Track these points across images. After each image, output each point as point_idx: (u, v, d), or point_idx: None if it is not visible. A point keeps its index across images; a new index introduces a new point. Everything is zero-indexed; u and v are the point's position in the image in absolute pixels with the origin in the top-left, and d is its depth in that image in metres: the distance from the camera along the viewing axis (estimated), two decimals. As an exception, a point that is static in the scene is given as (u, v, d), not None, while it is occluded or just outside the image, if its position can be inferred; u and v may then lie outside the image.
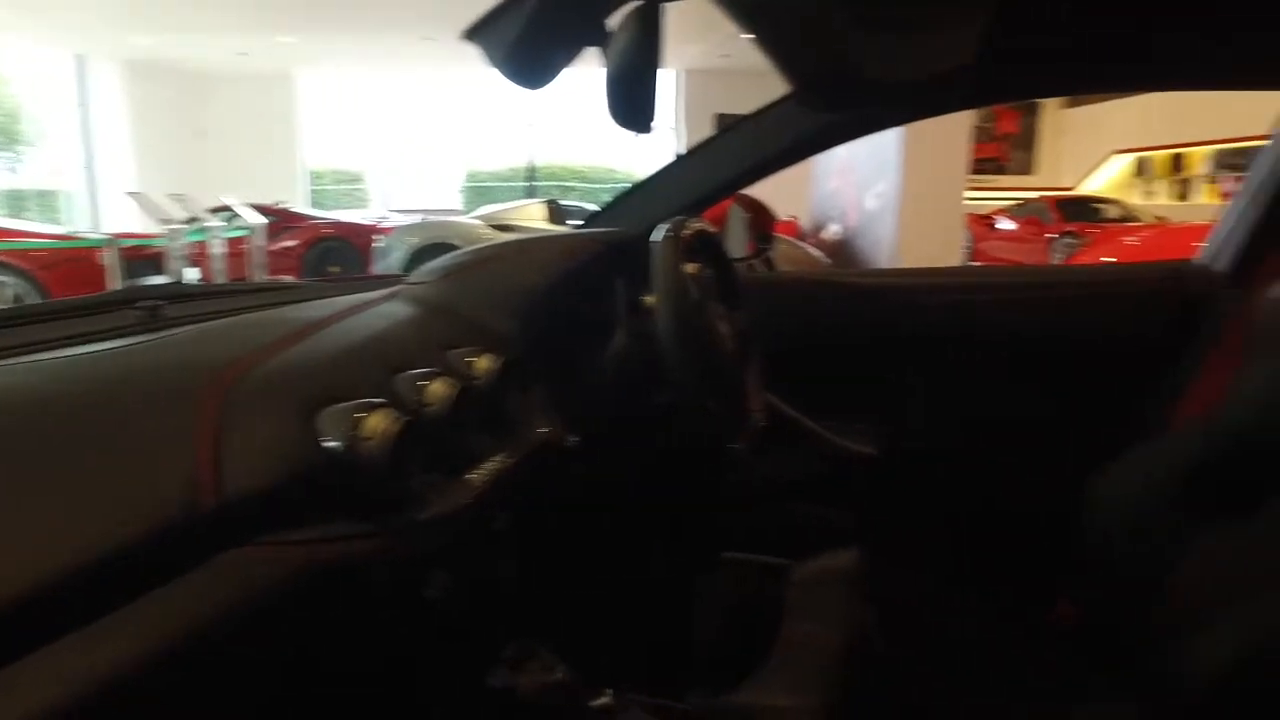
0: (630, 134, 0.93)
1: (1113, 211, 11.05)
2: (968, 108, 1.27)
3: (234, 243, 7.41)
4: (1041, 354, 1.34)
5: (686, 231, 1.03)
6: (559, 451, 0.87)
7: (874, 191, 7.50)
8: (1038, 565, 1.31)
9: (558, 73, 0.89)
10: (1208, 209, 9.81)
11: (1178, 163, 12.44)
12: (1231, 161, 10.70)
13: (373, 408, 0.56)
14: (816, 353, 1.42)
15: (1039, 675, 1.13)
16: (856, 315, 1.43)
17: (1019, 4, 0.95)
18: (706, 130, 8.60)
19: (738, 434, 1.07)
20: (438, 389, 0.64)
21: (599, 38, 0.86)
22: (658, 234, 1.00)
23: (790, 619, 1.14)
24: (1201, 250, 1.30)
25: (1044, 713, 1.04)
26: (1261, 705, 0.76)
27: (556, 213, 8.92)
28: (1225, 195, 9.73)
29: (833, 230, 8.23)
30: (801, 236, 8.54)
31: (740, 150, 1.31)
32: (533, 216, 8.83)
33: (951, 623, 1.19)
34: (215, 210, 7.50)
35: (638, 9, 0.84)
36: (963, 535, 1.39)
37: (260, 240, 7.54)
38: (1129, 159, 12.07)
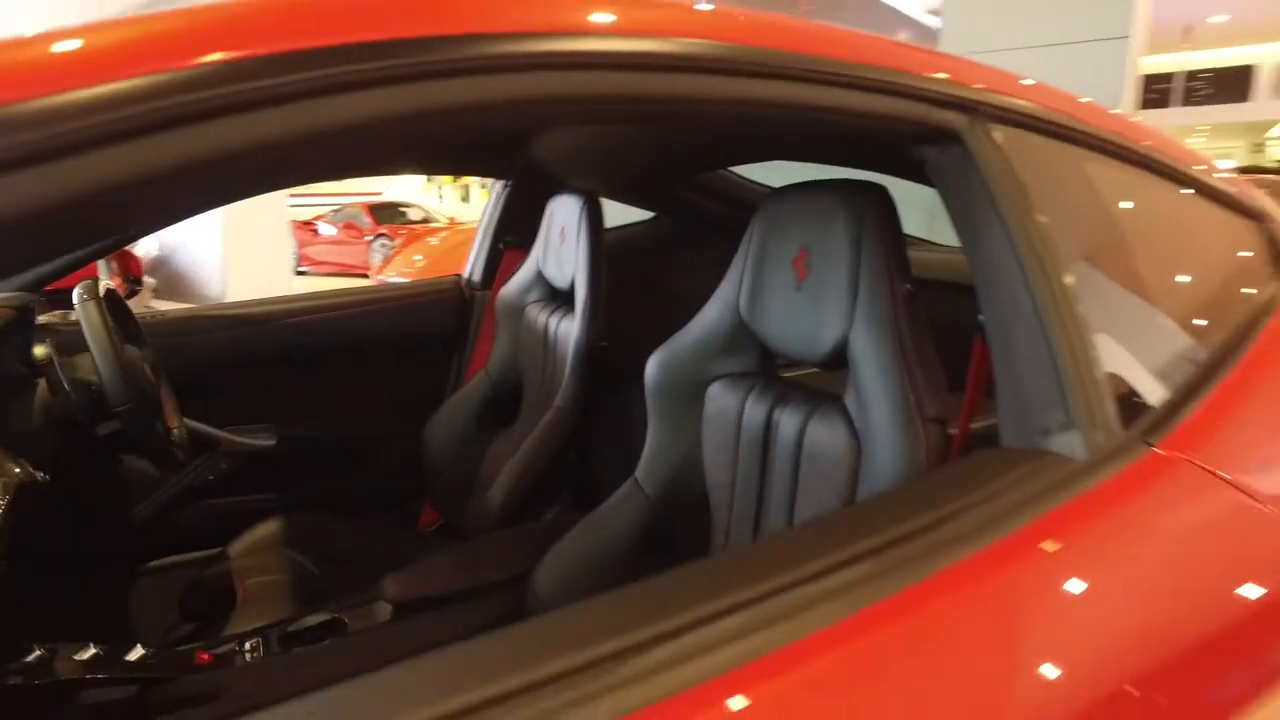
0: None
1: (416, 214, 12.64)
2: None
3: None
4: (383, 349, 1.89)
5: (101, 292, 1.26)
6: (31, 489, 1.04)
7: (190, 206, 7.29)
8: (406, 491, 1.87)
9: None
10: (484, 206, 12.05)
11: (458, 170, 14.72)
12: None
13: None
14: (217, 373, 1.72)
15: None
16: (242, 339, 1.76)
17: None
18: None
19: (169, 448, 1.35)
20: None
21: None
22: (78, 297, 1.22)
23: (242, 580, 1.47)
24: (467, 265, 2.01)
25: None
26: (506, 519, 1.44)
27: None
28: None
29: (149, 249, 7.72)
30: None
31: None
32: None
33: (364, 548, 1.64)
34: None
35: None
36: (352, 482, 1.86)
37: None
38: (421, 167, 13.87)
